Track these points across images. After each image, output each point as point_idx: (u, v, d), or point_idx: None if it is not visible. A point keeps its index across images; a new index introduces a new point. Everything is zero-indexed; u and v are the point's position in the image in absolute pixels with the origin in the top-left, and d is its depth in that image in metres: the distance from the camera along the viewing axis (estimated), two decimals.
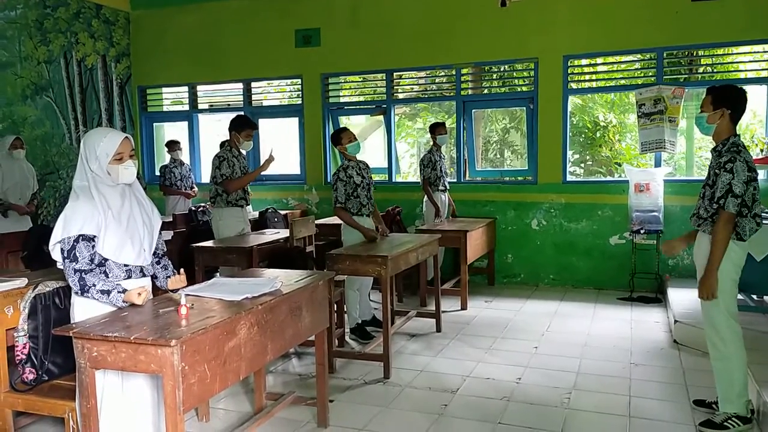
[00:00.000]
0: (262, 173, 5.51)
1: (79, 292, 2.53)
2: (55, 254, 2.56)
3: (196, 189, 7.92)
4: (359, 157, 4.96)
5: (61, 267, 2.55)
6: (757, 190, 3.17)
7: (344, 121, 8.20)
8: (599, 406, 3.62)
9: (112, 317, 2.45)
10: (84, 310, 2.56)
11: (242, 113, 5.59)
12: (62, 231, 2.51)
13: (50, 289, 2.85)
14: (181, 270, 2.82)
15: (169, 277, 2.79)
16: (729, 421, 3.22)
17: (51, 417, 3.02)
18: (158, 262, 2.79)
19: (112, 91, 8.36)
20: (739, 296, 3.53)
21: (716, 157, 3.22)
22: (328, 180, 7.76)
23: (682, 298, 5.34)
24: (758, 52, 6.20)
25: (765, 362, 3.71)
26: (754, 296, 5.07)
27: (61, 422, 2.84)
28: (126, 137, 2.62)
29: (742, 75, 6.28)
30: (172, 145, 7.78)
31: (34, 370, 2.76)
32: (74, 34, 7.83)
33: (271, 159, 5.28)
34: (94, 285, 2.51)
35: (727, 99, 3.22)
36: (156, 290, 2.79)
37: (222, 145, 5.55)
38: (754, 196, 3.15)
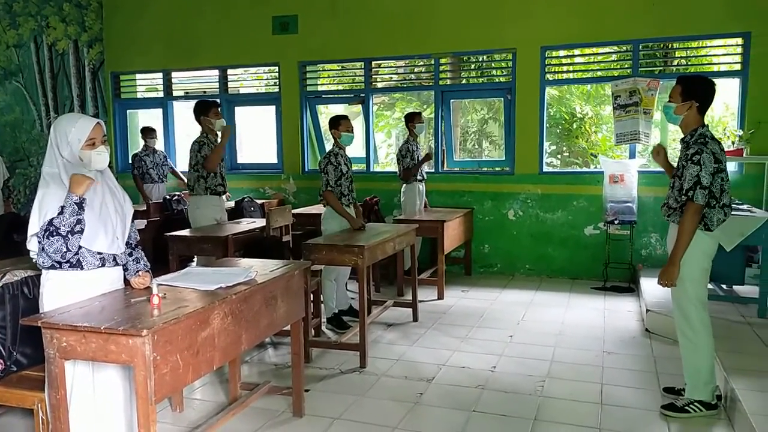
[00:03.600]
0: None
1: (61, 249, 2.42)
2: (32, 245, 2.48)
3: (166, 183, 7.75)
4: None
5: (35, 257, 2.48)
6: (726, 180, 3.21)
7: (322, 110, 8.14)
8: (572, 394, 3.68)
9: (83, 306, 2.41)
10: (53, 299, 2.51)
11: (199, 99, 5.57)
12: (38, 219, 2.44)
13: (18, 279, 2.79)
14: (148, 272, 2.77)
15: (139, 271, 2.75)
16: (690, 405, 3.30)
17: (20, 408, 2.97)
18: (130, 254, 2.75)
19: (84, 76, 8.19)
20: (709, 285, 3.59)
21: (684, 149, 3.27)
22: (306, 169, 7.72)
23: (654, 287, 5.39)
24: (732, 45, 6.29)
25: (733, 350, 3.80)
26: (724, 286, 5.17)
27: (30, 414, 2.79)
28: (98, 122, 2.58)
29: (715, 68, 6.36)
30: (148, 132, 7.61)
31: (2, 361, 2.70)
32: (45, 18, 7.65)
33: (227, 130, 5.25)
34: (55, 224, 2.41)
35: (696, 91, 3.24)
36: (127, 281, 2.74)
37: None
38: (722, 187, 3.19)
